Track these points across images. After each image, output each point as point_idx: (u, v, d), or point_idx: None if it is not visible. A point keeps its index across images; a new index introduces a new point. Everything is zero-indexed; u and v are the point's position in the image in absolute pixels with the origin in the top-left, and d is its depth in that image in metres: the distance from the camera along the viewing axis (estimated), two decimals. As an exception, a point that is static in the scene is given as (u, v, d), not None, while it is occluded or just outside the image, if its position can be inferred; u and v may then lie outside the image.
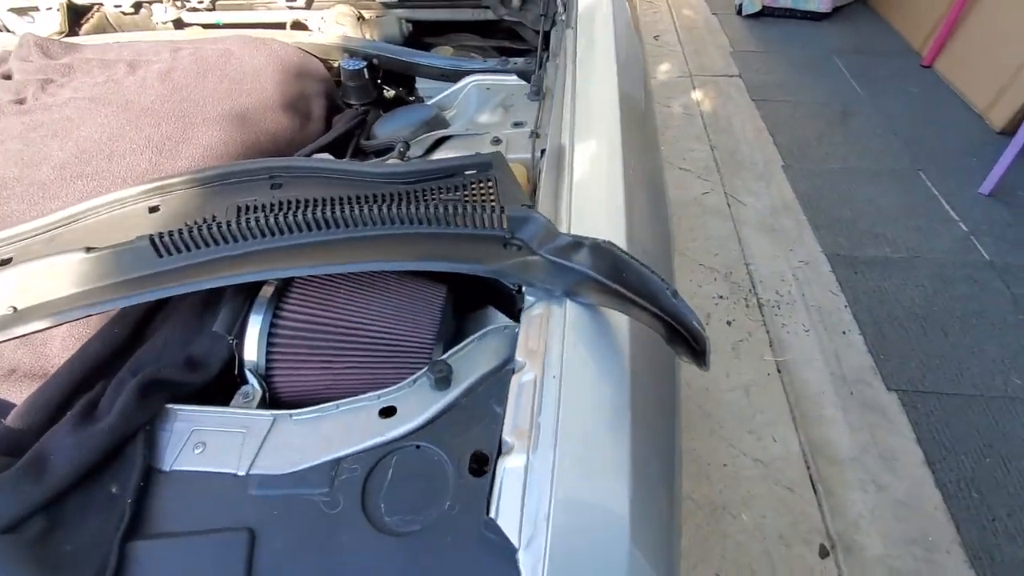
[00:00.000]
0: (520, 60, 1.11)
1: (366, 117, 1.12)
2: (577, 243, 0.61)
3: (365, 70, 1.10)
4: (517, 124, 0.96)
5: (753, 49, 3.66)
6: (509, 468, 0.53)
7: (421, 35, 1.30)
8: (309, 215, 0.69)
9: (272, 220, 0.68)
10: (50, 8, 1.38)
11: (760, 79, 3.33)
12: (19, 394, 0.69)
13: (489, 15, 1.22)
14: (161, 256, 0.67)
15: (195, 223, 0.70)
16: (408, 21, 1.25)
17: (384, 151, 1.00)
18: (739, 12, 4.08)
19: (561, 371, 0.57)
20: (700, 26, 3.97)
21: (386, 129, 1.05)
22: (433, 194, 0.76)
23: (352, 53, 1.12)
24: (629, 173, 0.80)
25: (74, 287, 0.66)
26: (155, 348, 0.69)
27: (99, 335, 0.69)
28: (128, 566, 0.52)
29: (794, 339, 1.87)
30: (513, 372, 0.64)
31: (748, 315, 1.93)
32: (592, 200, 0.74)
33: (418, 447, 0.61)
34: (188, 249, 0.68)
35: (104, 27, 1.37)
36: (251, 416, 0.64)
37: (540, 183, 0.83)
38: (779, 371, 1.78)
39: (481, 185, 0.76)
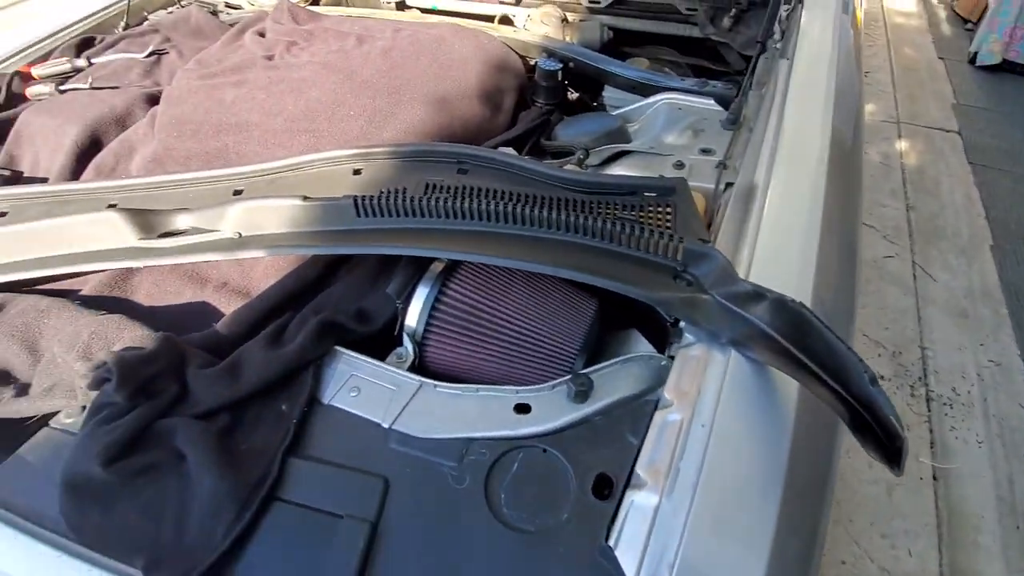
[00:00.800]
0: (719, 83, 1.06)
1: (550, 117, 1.15)
2: (758, 294, 0.57)
3: (560, 72, 1.13)
4: (705, 151, 0.92)
5: (982, 105, 3.14)
6: (638, 503, 0.52)
7: (619, 44, 1.30)
8: (491, 206, 0.72)
9: (458, 204, 0.73)
10: (301, -22, 1.59)
11: (983, 141, 2.85)
12: (226, 304, 0.81)
13: (695, 32, 1.18)
14: (359, 216, 0.75)
15: (391, 191, 0.77)
16: (610, 28, 1.26)
17: (562, 154, 1.01)
18: (972, 61, 3.50)
19: (713, 421, 0.54)
20: (920, 69, 3.49)
21: (568, 133, 1.07)
22: (608, 208, 0.76)
23: (551, 54, 1.15)
24: (826, 226, 0.73)
25: (288, 227, 0.77)
26: (335, 295, 0.78)
27: (295, 273, 0.79)
28: (284, 478, 0.60)
29: (962, 448, 1.59)
30: (655, 406, 0.62)
31: (911, 406, 1.68)
32: (780, 249, 0.68)
33: (544, 451, 0.62)
34: (382, 215, 0.75)
35: (341, 1, 1.56)
36: (402, 376, 0.69)
37: (720, 218, 0.79)
38: (935, 479, 1.53)
39: (659, 210, 0.74)
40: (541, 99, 1.17)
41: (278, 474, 0.60)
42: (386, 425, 0.65)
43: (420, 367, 0.74)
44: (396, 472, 0.61)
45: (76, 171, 1.09)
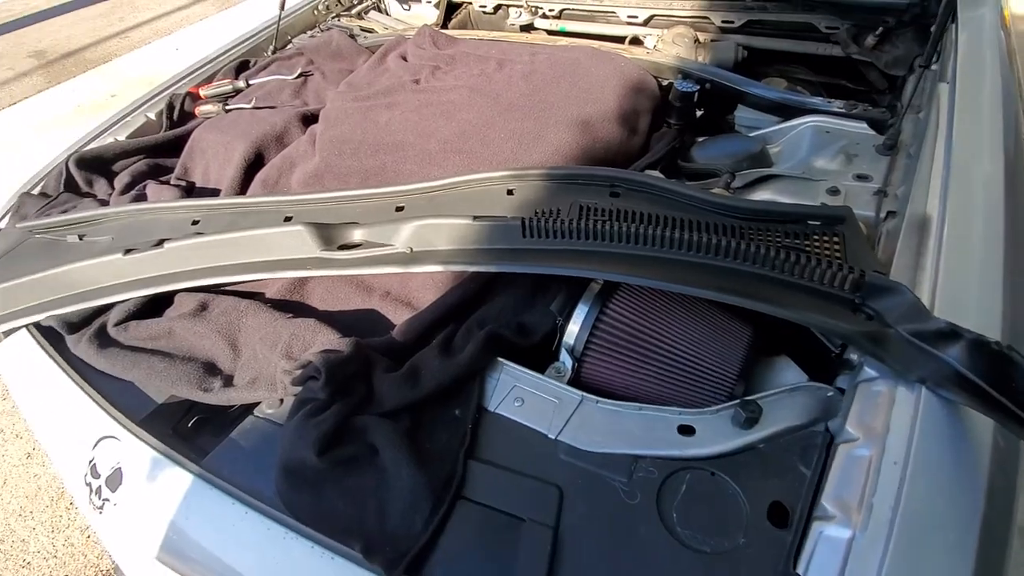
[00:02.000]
0: (870, 107, 1.03)
1: (684, 138, 1.16)
2: (954, 332, 0.56)
3: (696, 94, 1.14)
4: (860, 177, 0.90)
5: None
6: (828, 535, 0.53)
7: (753, 63, 1.29)
8: (651, 231, 0.75)
9: (618, 228, 0.76)
10: (430, 1, 1.69)
11: None
12: (391, 311, 0.89)
13: (835, 51, 1.15)
14: (525, 236, 0.80)
15: (553, 212, 0.81)
16: (745, 48, 1.25)
17: (700, 175, 1.02)
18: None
19: (907, 460, 0.54)
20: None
21: (706, 154, 1.08)
22: (768, 235, 0.76)
23: (687, 75, 1.16)
24: (1010, 256, 0.70)
25: (456, 244, 0.83)
26: (496, 308, 0.83)
27: (459, 287, 0.85)
28: (466, 478, 0.65)
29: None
30: (827, 438, 0.62)
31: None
32: (964, 283, 0.66)
33: (713, 474, 0.63)
34: (546, 236, 0.80)
35: (466, 23, 1.65)
36: (563, 389, 0.73)
37: (884, 249, 0.77)
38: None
39: (825, 240, 0.73)
40: (674, 119, 1.18)
41: (463, 474, 0.65)
42: (552, 436, 0.69)
43: (575, 382, 0.78)
44: (568, 482, 0.64)
45: (244, 183, 1.21)
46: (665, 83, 1.21)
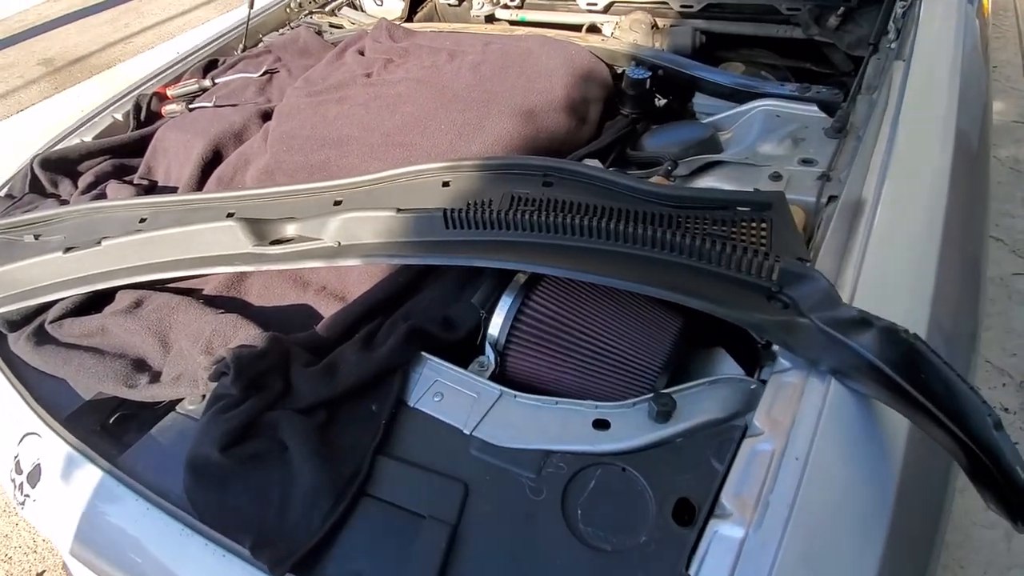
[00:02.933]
0: (823, 88, 0.99)
1: (636, 127, 1.13)
2: (864, 320, 0.53)
3: (648, 80, 1.11)
4: (805, 161, 0.87)
5: None
6: (722, 534, 0.50)
7: (713, 48, 1.25)
8: (576, 220, 0.73)
9: (544, 218, 0.74)
10: (397, -4, 1.68)
11: None
12: (325, 306, 0.88)
13: (796, 33, 1.11)
14: (448, 227, 0.78)
15: (478, 204, 0.79)
16: (703, 33, 1.21)
17: (649, 164, 1.00)
18: None
19: (809, 455, 0.51)
20: (1063, 58, 3.05)
21: (655, 142, 1.05)
22: (697, 223, 0.73)
23: (639, 62, 1.14)
24: (947, 246, 0.66)
25: (382, 237, 0.81)
26: (422, 302, 0.81)
27: (387, 280, 0.83)
28: (373, 475, 0.64)
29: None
30: (743, 432, 0.60)
31: (1040, 443, 1.48)
32: (891, 270, 0.63)
33: (624, 469, 0.61)
34: (469, 227, 0.78)
35: (432, 16, 1.63)
36: (484, 384, 0.71)
37: (821, 235, 0.74)
38: (1069, 530, 1.33)
39: (752, 226, 0.71)
40: (628, 108, 1.15)
41: (368, 471, 0.64)
42: (467, 431, 0.67)
43: (500, 376, 0.76)
44: (475, 478, 0.62)
45: (201, 180, 1.22)
46: (620, 71, 1.18)
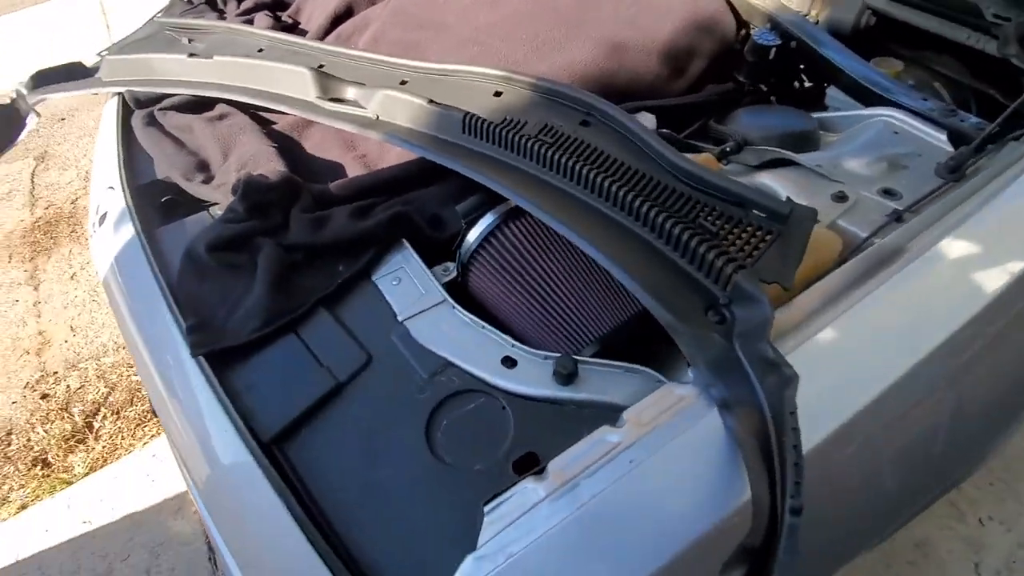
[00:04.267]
0: (976, 119, 0.79)
1: (739, 98, 1.00)
2: (775, 364, 0.47)
3: (774, 50, 0.96)
4: (888, 192, 0.72)
5: None
6: (526, 489, 0.51)
7: (882, 37, 1.03)
8: (583, 169, 0.70)
9: (551, 154, 0.72)
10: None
11: None
12: (355, 171, 0.95)
13: (991, 48, 0.87)
14: (463, 132, 0.79)
15: (505, 120, 0.78)
16: (874, 13, 0.99)
17: (719, 140, 0.89)
18: None
19: (642, 464, 0.49)
20: None
21: (744, 121, 0.92)
22: (703, 210, 0.66)
23: (775, 25, 0.98)
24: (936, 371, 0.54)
25: (409, 122, 0.85)
26: (424, 196, 0.85)
27: (402, 165, 0.88)
28: (306, 317, 0.71)
29: None
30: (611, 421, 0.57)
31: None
32: (852, 350, 0.53)
33: (504, 408, 0.62)
34: (484, 139, 0.78)
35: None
36: (434, 286, 0.74)
37: (831, 273, 0.63)
38: None
39: (756, 233, 0.62)
40: (743, 76, 1.01)
41: (304, 313, 0.72)
42: (400, 318, 0.72)
43: (460, 287, 0.78)
44: (381, 357, 0.68)
45: (328, 31, 1.32)
46: (752, 30, 1.03)
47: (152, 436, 1.56)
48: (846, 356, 0.54)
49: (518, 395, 0.63)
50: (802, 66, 1.05)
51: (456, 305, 0.72)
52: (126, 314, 0.81)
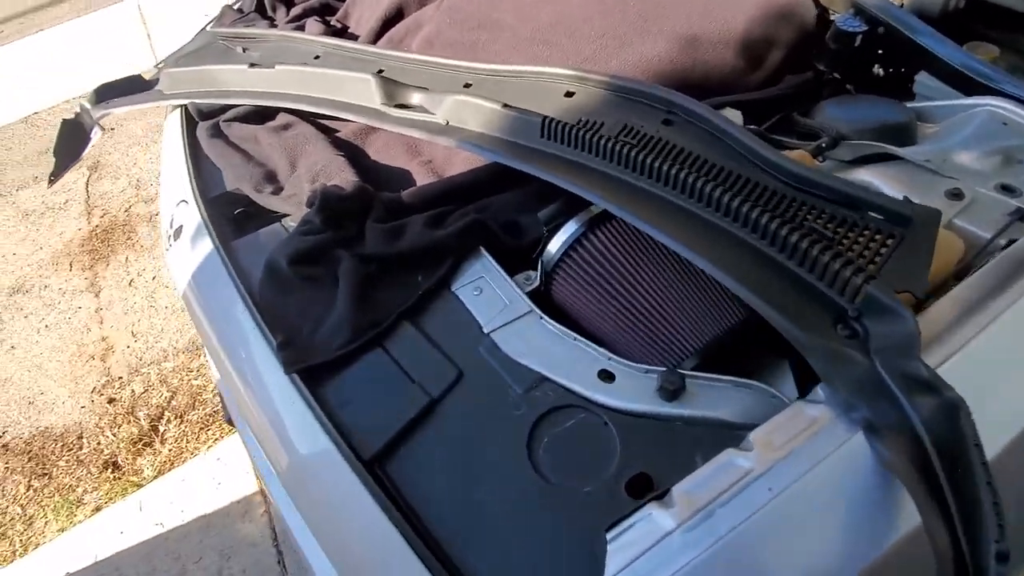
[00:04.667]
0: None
1: (821, 89, 0.95)
2: (932, 386, 0.43)
3: (860, 37, 0.90)
4: (1006, 188, 0.67)
5: None
6: (652, 517, 0.48)
7: (972, 20, 0.96)
8: (674, 171, 0.67)
9: (640, 156, 0.69)
10: None
11: None
12: (423, 178, 0.93)
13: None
14: (542, 136, 0.76)
15: (584, 122, 0.76)
16: (969, -7, 0.92)
17: (812, 136, 0.84)
18: None
19: (783, 493, 0.46)
20: None
21: (833, 113, 0.87)
22: (812, 213, 0.62)
23: (860, 11, 0.92)
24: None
25: (483, 128, 0.83)
26: (499, 202, 0.83)
27: (474, 172, 0.86)
28: (391, 331, 0.70)
29: None
30: (735, 443, 0.55)
31: None
32: (1011, 362, 0.49)
33: (606, 424, 0.60)
34: (564, 143, 0.75)
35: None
36: (519, 296, 0.72)
37: (968, 279, 0.59)
38: None
39: (875, 237, 0.58)
40: (823, 64, 0.96)
41: (389, 326, 0.71)
42: (486, 330, 0.70)
43: (542, 296, 0.76)
44: (472, 371, 0.66)
45: (380, 34, 1.31)
46: (833, 16, 0.97)
47: (216, 440, 1.59)
48: (1005, 373, 0.50)
49: (619, 411, 0.61)
50: (881, 51, 0.99)
51: (544, 316, 0.70)
52: (208, 327, 0.81)
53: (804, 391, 0.63)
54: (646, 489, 0.55)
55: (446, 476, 0.59)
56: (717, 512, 0.46)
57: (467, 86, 0.95)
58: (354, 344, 0.68)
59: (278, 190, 0.94)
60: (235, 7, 1.52)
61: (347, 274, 0.74)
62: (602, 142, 0.72)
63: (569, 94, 0.86)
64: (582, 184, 0.71)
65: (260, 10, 1.51)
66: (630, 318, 0.70)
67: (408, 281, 0.76)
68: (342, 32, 1.41)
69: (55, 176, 1.22)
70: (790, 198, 0.65)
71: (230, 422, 1.08)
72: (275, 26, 1.45)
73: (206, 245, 0.84)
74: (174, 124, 1.15)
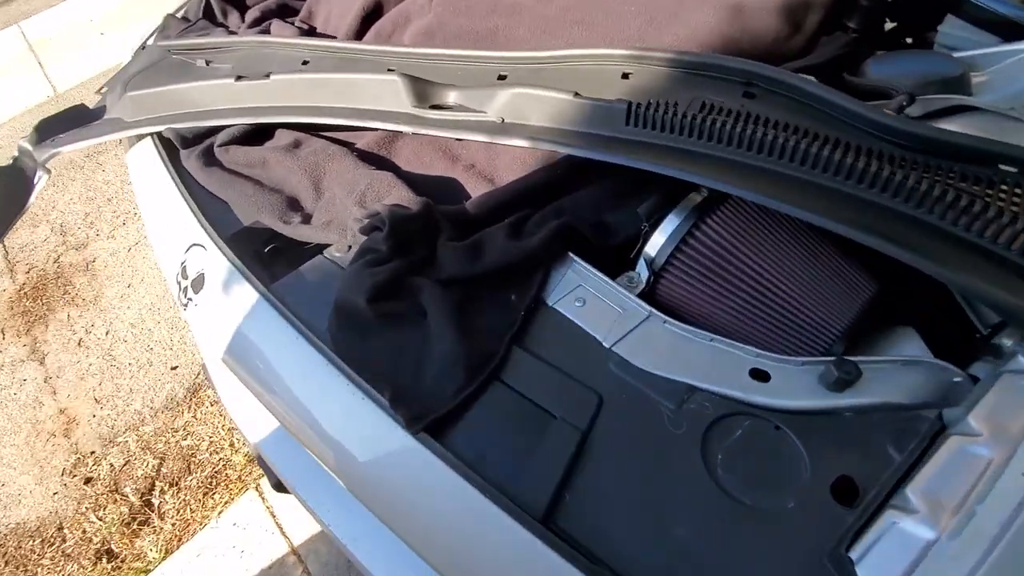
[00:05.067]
0: None
1: (856, 48, 0.94)
2: None
3: (891, -10, 0.90)
4: (1096, 125, 0.68)
5: None
6: (903, 528, 0.44)
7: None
8: (783, 140, 0.62)
9: (741, 129, 0.64)
10: None
11: None
12: (472, 184, 0.84)
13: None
14: (629, 124, 0.70)
15: (667, 104, 0.69)
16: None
17: (873, 95, 0.82)
18: None
19: (1042, 475, 0.42)
20: None
21: (884, 70, 0.86)
22: (939, 175, 0.60)
23: (888, -35, 0.92)
24: None
25: (551, 122, 0.75)
26: (577, 201, 0.75)
27: (544, 169, 0.78)
28: (506, 362, 0.62)
29: None
30: (936, 427, 0.51)
31: None
32: None
33: (778, 428, 0.55)
34: (653, 127, 0.69)
35: None
36: (631, 300, 0.66)
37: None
38: None
39: (1017, 192, 0.56)
40: (853, 23, 0.95)
41: (503, 356, 0.62)
42: (607, 345, 0.63)
43: (647, 297, 0.70)
44: (611, 393, 0.59)
45: (360, 32, 1.18)
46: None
47: (225, 503, 1.42)
48: None
49: (786, 411, 0.56)
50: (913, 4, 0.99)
51: (666, 318, 0.64)
52: (274, 393, 0.69)
53: (938, 355, 0.61)
54: (852, 493, 0.51)
55: (626, 517, 0.52)
56: (978, 511, 0.42)
57: (502, 77, 0.86)
58: (473, 385, 0.59)
59: (307, 218, 0.82)
60: (179, 15, 1.33)
61: (435, 304, 0.64)
62: (696, 121, 0.67)
63: (626, 75, 0.80)
64: (689, 169, 0.65)
65: (209, 17, 1.34)
66: (761, 309, 0.65)
67: (501, 302, 0.68)
68: (311, 33, 1.27)
69: (-1, 235, 1.02)
70: (910, 159, 0.62)
71: (279, 488, 0.95)
72: (233, 33, 1.28)
73: (246, 294, 0.71)
74: (146, 157, 0.99)
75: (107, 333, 1.83)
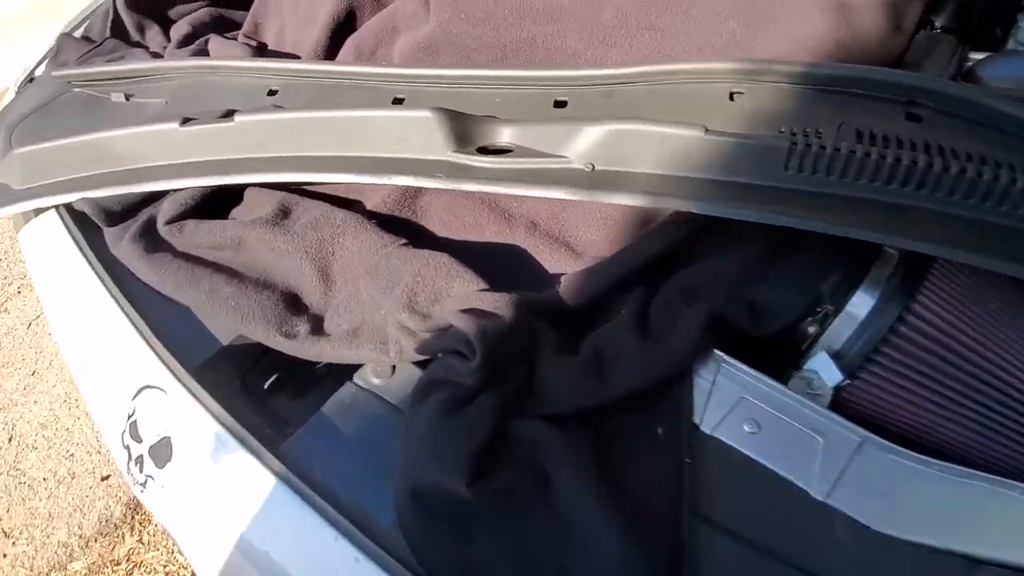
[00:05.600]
0: None
1: (959, 48, 0.80)
2: None
3: (994, -20, 0.77)
4: None
5: None
6: None
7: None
8: (1001, 180, 0.45)
9: (936, 169, 0.46)
10: None
11: None
12: (543, 253, 0.62)
13: None
14: (788, 169, 0.50)
15: (836, 139, 0.51)
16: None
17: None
18: None
19: None
20: None
21: (998, 72, 0.72)
22: None
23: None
24: None
25: (669, 167, 0.54)
26: (709, 273, 0.55)
27: (661, 232, 0.57)
28: (696, 553, 0.41)
29: None
30: None
31: None
32: None
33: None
34: (820, 173, 0.50)
35: None
36: (827, 419, 0.47)
37: None
38: None
39: None
40: (944, 19, 0.81)
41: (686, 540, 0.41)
42: (819, 497, 0.44)
43: (833, 406, 0.51)
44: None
45: (331, 49, 0.93)
46: (946, -39, 0.82)
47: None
48: None
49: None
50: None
51: (891, 445, 0.45)
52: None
53: None
54: None
55: None
56: None
57: (560, 104, 0.65)
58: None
59: (318, 325, 0.56)
60: (77, 35, 1.01)
61: (568, 465, 0.42)
62: (873, 160, 0.48)
63: (732, 96, 0.61)
64: (887, 227, 0.46)
65: (119, 34, 1.03)
66: (1004, 414, 0.47)
67: (649, 439, 0.46)
68: (260, 52, 0.99)
69: None
70: None
71: None
72: (158, 55, 0.98)
73: (247, 469, 0.46)
74: (51, 240, 0.69)
75: (10, 440, 1.44)
